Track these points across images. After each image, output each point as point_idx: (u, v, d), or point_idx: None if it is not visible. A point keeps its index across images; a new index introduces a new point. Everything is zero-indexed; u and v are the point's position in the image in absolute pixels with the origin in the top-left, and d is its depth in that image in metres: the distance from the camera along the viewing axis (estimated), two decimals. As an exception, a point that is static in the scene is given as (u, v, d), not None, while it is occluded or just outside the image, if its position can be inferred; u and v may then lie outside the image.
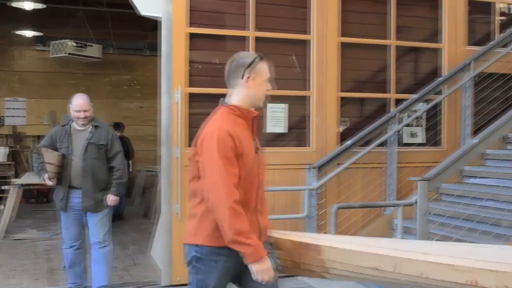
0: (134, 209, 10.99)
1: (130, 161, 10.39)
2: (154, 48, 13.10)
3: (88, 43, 11.57)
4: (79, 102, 5.19)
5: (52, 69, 13.06)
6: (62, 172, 5.14)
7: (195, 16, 5.95)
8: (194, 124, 5.95)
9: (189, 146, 5.90)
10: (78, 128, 5.22)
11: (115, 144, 5.30)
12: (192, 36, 5.94)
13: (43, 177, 5.19)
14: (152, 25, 11.64)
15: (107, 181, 5.25)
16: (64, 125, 5.34)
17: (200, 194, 2.83)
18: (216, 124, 2.81)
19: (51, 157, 5.08)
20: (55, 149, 5.16)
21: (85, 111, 5.17)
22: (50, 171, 5.09)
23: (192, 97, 5.92)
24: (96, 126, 5.24)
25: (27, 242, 8.03)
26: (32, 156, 5.68)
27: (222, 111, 2.88)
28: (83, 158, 5.12)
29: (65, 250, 5.42)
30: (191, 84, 5.92)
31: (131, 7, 6.02)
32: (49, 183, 5.17)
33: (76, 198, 5.18)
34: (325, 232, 6.04)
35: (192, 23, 5.93)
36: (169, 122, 5.84)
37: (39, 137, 13.05)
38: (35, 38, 12.65)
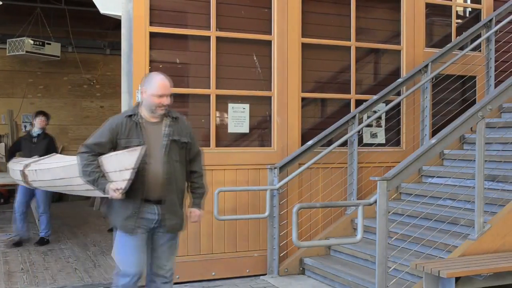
0: (94, 210, 10.85)
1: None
2: (115, 47, 13.02)
3: (47, 41, 11.38)
4: (163, 83, 3.87)
5: (9, 67, 12.78)
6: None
7: (156, 15, 5.91)
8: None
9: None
10: (151, 120, 3.91)
11: (196, 142, 4.11)
12: (153, 35, 5.88)
13: (107, 189, 3.73)
14: (113, 24, 11.53)
15: (185, 191, 4.08)
16: (130, 115, 3.90)
17: None
18: None
19: (129, 160, 3.63)
20: (113, 148, 3.83)
21: (169, 96, 3.89)
22: (128, 180, 3.63)
23: (153, 97, 5.85)
24: (175, 118, 3.98)
25: (-17, 244, 7.83)
26: (81, 157, 3.87)
27: None
28: (165, 161, 3.84)
29: (122, 286, 3.90)
30: (152, 84, 5.84)
31: (90, 5, 5.93)
32: (119, 197, 3.71)
33: (150, 214, 3.88)
34: (286, 232, 6.10)
35: (153, 22, 5.88)
36: (129, 122, 5.77)
37: (-1, 137, 12.78)
38: (-9, 35, 12.37)
